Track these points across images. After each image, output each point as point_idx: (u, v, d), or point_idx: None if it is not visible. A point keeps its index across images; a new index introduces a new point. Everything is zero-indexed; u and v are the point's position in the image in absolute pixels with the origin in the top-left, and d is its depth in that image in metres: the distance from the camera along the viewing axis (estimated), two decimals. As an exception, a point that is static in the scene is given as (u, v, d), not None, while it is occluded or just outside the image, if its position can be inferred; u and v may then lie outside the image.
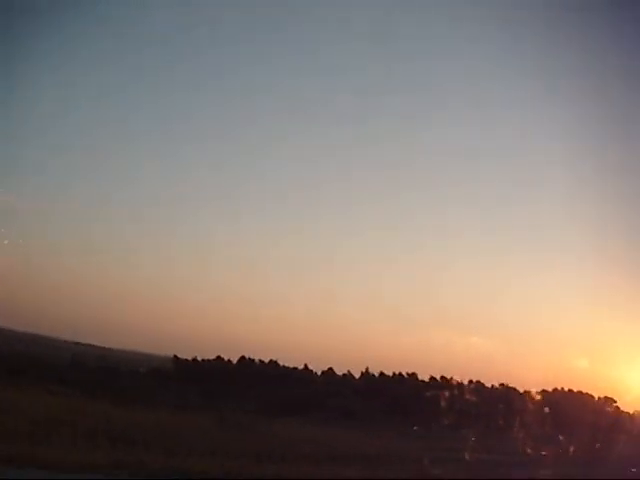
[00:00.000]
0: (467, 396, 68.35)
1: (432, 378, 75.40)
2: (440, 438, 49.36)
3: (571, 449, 47.20)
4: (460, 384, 72.55)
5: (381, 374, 77.79)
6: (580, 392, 77.85)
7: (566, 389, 78.74)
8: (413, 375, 77.11)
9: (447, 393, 64.50)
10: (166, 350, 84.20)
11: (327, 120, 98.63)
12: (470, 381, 73.72)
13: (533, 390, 77.21)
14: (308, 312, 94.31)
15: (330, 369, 78.04)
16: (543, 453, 46.23)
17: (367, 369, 77.83)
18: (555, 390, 78.61)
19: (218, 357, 78.02)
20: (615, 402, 75.12)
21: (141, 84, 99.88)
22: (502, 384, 76.81)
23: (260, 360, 77.38)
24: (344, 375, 78.82)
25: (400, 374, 77.70)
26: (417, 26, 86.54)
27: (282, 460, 29.91)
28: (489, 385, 77.42)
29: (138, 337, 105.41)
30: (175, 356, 78.52)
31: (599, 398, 77.12)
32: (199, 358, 77.80)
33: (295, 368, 76.34)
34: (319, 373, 78.21)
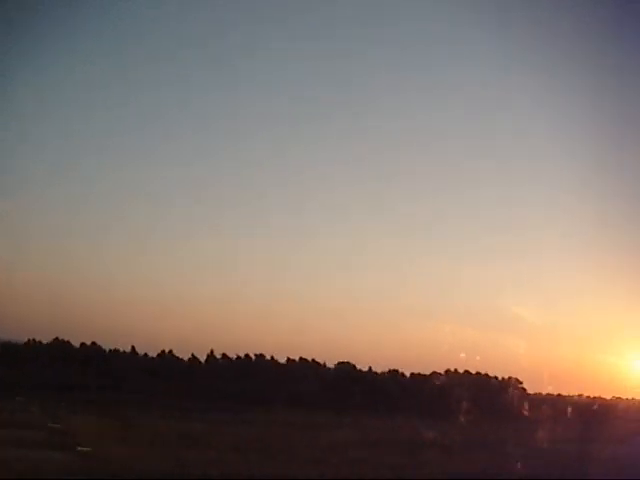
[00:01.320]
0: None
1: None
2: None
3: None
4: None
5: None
6: (478, 373, 69.84)
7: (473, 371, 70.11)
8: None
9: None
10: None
11: (325, 122, 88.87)
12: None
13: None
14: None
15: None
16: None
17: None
18: (456, 371, 70.05)
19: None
20: (521, 383, 70.51)
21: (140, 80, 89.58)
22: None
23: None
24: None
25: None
26: (414, 20, 76.66)
27: None
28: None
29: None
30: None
31: (502, 379, 71.52)
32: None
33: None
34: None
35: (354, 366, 67.31)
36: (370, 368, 68.81)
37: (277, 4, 77.64)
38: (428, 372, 70.32)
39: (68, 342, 64.74)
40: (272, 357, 66.48)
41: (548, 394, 67.07)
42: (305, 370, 64.62)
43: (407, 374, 70.56)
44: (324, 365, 66.51)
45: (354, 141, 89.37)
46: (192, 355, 66.67)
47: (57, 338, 64.58)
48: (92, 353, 62.52)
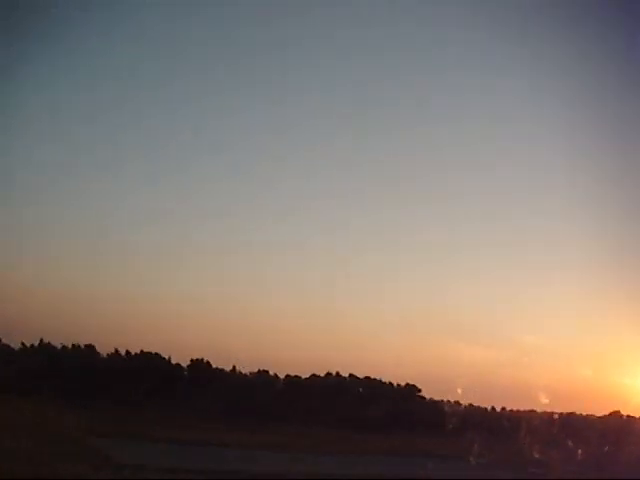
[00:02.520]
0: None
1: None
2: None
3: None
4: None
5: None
6: (372, 379, 71.68)
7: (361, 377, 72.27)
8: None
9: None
10: None
11: (327, 126, 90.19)
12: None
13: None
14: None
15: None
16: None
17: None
18: (352, 376, 72.43)
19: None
20: (419, 391, 72.07)
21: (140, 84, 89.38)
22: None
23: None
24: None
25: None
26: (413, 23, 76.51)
27: None
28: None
29: None
30: None
31: (398, 386, 72.66)
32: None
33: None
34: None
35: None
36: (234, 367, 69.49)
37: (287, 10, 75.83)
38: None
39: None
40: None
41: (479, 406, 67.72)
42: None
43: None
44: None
45: (378, 162, 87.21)
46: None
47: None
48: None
